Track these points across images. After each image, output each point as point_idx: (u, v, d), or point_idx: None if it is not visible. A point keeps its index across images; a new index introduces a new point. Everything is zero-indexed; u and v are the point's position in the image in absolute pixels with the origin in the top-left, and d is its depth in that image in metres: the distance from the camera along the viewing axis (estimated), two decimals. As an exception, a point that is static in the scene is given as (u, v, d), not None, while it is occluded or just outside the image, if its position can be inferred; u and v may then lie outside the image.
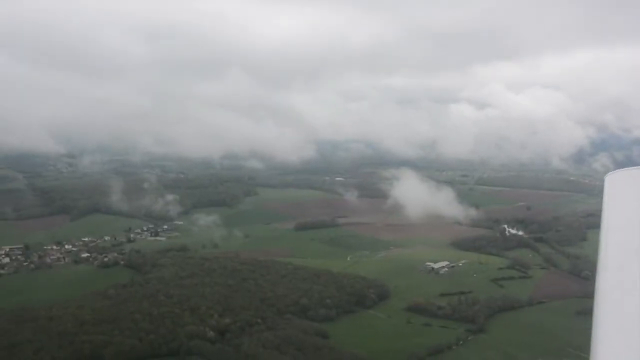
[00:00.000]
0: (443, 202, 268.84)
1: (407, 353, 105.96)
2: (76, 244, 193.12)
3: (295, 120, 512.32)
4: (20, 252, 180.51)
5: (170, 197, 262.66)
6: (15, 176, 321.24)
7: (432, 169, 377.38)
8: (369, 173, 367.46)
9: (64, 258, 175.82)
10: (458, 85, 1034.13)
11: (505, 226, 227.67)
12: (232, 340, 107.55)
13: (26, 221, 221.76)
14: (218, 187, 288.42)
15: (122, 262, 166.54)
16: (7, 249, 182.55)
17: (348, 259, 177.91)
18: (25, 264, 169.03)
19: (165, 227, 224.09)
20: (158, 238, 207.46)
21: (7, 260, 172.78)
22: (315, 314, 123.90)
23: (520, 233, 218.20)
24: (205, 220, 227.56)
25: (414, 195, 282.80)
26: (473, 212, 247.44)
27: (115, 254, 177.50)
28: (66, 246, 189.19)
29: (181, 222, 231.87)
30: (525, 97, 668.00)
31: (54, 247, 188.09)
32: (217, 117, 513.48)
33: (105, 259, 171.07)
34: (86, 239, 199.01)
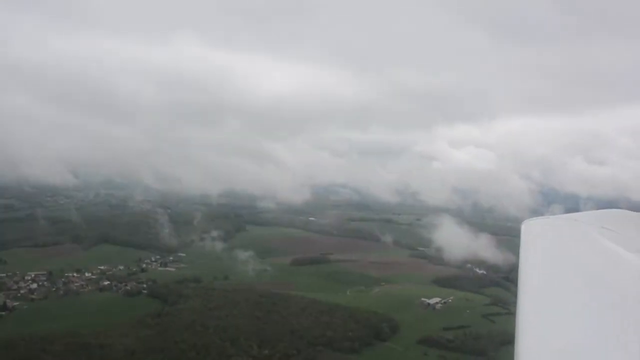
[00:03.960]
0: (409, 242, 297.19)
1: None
2: (94, 272, 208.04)
3: (285, 165, 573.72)
4: (45, 279, 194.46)
5: (168, 230, 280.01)
6: (21, 206, 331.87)
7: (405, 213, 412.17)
8: (338, 214, 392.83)
9: (87, 285, 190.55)
10: (419, 141, 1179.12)
11: (471, 265, 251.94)
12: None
13: (43, 249, 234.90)
14: (211, 223, 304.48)
15: (144, 292, 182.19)
16: (33, 275, 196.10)
17: (347, 293, 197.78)
18: (53, 290, 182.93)
19: (171, 258, 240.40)
20: (168, 268, 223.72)
21: (34, 285, 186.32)
22: (341, 345, 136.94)
23: (485, 272, 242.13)
24: (206, 253, 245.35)
25: (383, 234, 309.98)
26: (440, 252, 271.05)
27: (135, 283, 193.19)
28: (86, 274, 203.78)
29: (184, 254, 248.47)
30: (465, 154, 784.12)
31: (75, 274, 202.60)
32: (214, 159, 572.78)
33: (127, 288, 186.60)
34: (102, 267, 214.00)
